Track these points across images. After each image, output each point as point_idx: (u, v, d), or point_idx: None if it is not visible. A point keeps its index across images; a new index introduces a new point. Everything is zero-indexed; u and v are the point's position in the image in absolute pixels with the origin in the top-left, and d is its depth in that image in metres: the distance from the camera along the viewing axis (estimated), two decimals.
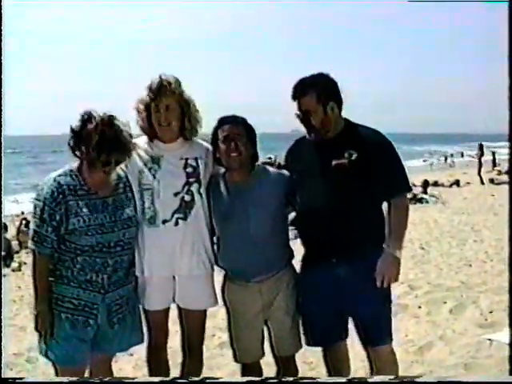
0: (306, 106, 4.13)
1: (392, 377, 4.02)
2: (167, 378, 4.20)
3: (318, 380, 3.99)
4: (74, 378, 3.90)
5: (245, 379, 4.32)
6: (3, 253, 13.95)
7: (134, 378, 4.42)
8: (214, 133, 4.27)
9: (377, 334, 4.31)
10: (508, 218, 4.65)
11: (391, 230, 4.18)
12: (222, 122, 4.26)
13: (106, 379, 4.01)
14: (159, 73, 4.24)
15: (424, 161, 56.52)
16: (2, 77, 4.18)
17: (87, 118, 3.90)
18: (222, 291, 4.44)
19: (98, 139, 3.85)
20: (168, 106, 4.19)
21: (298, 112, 4.17)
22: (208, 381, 3.93)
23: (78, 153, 3.97)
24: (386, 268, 4.14)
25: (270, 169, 4.43)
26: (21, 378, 4.44)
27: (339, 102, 4.21)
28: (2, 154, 4.22)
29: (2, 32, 4.15)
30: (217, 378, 4.20)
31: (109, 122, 3.90)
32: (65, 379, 4.01)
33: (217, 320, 4.71)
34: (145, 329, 4.37)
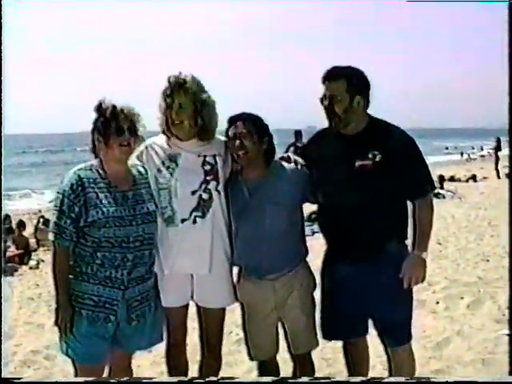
0: (334, 90, 4.09)
1: (406, 378, 4.03)
2: (185, 378, 4.22)
3: (333, 380, 3.99)
4: (91, 378, 3.91)
5: (261, 379, 4.33)
6: (21, 250, 14.02)
7: (151, 378, 4.43)
8: (226, 132, 4.29)
9: (396, 336, 4.32)
10: (508, 217, 4.64)
11: (416, 231, 4.17)
12: (231, 121, 4.26)
13: (124, 379, 4.03)
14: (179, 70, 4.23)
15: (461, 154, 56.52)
16: (2, 76, 4.21)
17: (96, 109, 4.06)
18: (236, 288, 4.45)
19: (108, 113, 4.01)
20: (180, 104, 4.17)
21: (325, 96, 4.13)
22: (225, 381, 3.94)
23: (97, 143, 4.07)
24: (413, 270, 4.14)
25: (286, 164, 4.41)
26: (19, 378, 4.46)
27: (367, 99, 4.18)
28: (2, 154, 4.26)
29: (3, 29, 4.18)
30: (233, 378, 4.21)
31: (108, 103, 4.04)
32: (68, 380, 4.03)
33: (235, 316, 4.71)
34: (164, 326, 4.38)
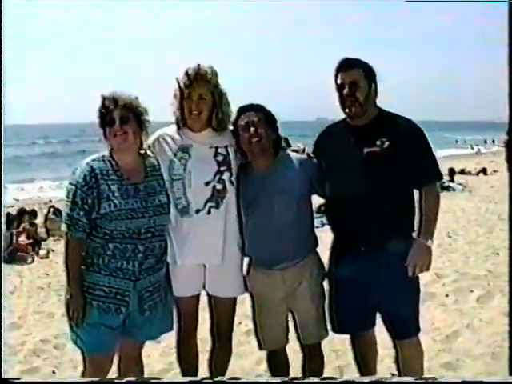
0: (353, 77, 4.13)
1: (415, 378, 4.03)
2: (196, 378, 4.23)
3: (340, 380, 4.00)
4: (97, 379, 3.92)
5: (269, 379, 4.34)
6: (31, 240, 14.05)
7: (160, 378, 4.45)
8: (235, 124, 4.30)
9: (404, 328, 4.32)
10: (508, 216, 4.62)
11: (422, 219, 4.17)
12: (240, 111, 4.30)
13: (132, 379, 4.03)
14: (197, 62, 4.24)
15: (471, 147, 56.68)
16: (1, 70, 4.21)
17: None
18: (246, 278, 4.46)
19: (100, 104, 4.05)
20: (201, 94, 4.19)
21: (342, 83, 4.15)
22: (235, 381, 3.94)
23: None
24: (418, 257, 4.14)
25: (294, 154, 4.43)
26: (19, 378, 4.47)
27: (376, 90, 4.24)
28: (3, 151, 4.27)
29: (3, 23, 4.19)
30: (240, 378, 4.22)
31: (109, 94, 4.06)
32: (69, 379, 4.02)
33: (244, 307, 4.71)
34: (175, 316, 4.39)
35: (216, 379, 3.96)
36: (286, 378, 4.16)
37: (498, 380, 4.66)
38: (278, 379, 4.08)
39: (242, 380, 4.11)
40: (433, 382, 3.85)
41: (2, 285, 4.50)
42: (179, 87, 4.22)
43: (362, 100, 4.13)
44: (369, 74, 4.18)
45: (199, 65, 4.20)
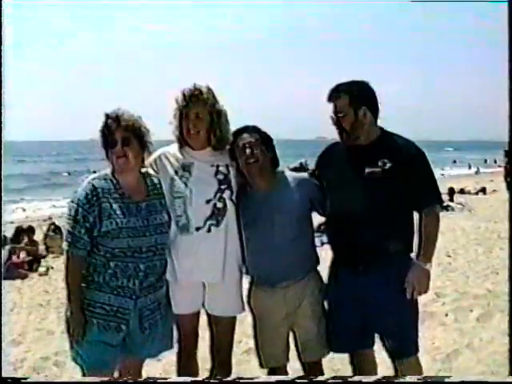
0: (338, 106, 4.15)
1: (420, 377, 4.03)
2: (199, 378, 4.23)
3: (348, 379, 4.00)
4: (103, 379, 3.92)
5: (274, 378, 4.33)
6: (30, 257, 14.03)
7: (167, 378, 4.44)
8: (231, 147, 4.34)
9: (402, 348, 4.32)
10: (508, 225, 4.63)
11: (421, 242, 4.19)
12: (236, 134, 4.34)
13: (140, 380, 4.03)
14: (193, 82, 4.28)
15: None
16: (2, 81, 4.23)
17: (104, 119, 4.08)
18: (247, 297, 4.48)
19: (103, 124, 4.04)
20: (198, 114, 4.22)
21: (332, 114, 4.19)
22: (240, 381, 3.94)
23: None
24: (416, 280, 4.15)
25: (293, 174, 4.48)
26: (25, 378, 4.45)
27: (374, 110, 4.22)
28: (2, 157, 4.28)
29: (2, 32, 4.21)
30: (250, 378, 4.21)
31: (112, 113, 4.05)
32: (72, 380, 4.00)
33: (244, 326, 4.71)
34: (175, 334, 4.40)
35: (223, 379, 3.98)
36: (290, 378, 4.17)
37: (498, 380, 4.66)
38: (284, 378, 4.10)
39: (249, 381, 4.10)
40: (434, 382, 3.86)
41: (1, 289, 4.49)
42: (177, 107, 4.26)
43: (348, 129, 4.15)
44: (357, 99, 4.15)
45: (195, 84, 4.25)
